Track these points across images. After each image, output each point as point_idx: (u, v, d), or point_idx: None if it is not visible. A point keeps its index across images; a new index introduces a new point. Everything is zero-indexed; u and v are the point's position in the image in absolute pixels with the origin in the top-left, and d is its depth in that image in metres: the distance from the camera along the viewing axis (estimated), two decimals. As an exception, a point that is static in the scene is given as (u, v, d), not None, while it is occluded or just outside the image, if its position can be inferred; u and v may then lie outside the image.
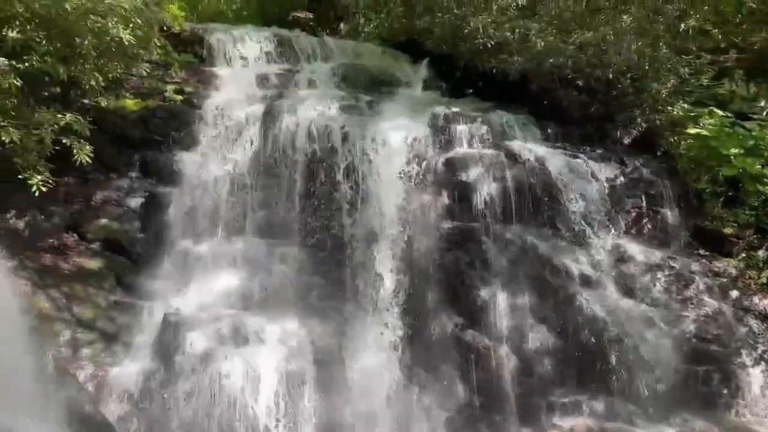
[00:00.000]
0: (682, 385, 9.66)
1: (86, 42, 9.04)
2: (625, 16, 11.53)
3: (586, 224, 10.59)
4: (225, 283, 10.53)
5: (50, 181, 9.10)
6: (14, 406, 6.57)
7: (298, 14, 18.54)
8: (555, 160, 10.84)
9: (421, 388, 9.69)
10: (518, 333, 9.79)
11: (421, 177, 10.79)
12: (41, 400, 7.49)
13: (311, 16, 18.55)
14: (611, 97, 12.33)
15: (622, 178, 11.11)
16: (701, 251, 10.93)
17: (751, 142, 11.36)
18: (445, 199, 10.66)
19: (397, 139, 11.21)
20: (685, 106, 12.09)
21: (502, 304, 9.88)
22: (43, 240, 10.32)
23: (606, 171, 11.11)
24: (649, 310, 10.05)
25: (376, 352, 9.92)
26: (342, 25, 18.54)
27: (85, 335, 9.49)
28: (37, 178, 8.80)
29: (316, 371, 9.60)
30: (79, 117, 9.27)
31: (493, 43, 11.91)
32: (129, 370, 9.28)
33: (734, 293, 10.38)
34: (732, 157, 11.12)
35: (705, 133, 11.42)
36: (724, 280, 10.49)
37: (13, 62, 8.67)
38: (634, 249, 10.63)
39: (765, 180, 11.07)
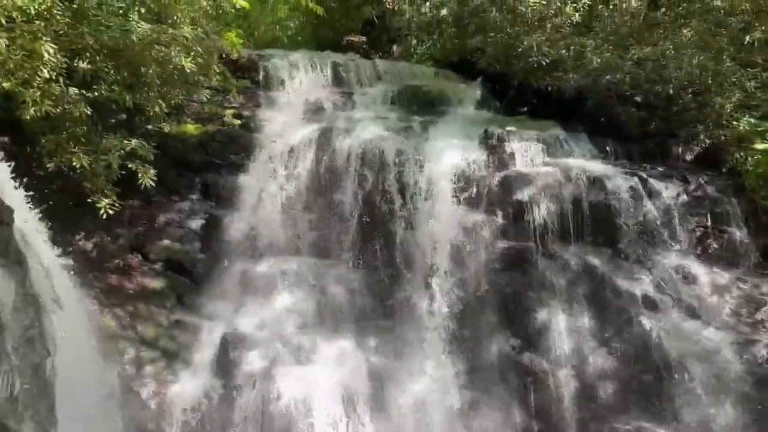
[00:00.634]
0: (754, 413, 9.14)
1: (151, 71, 9.45)
2: (685, 30, 11.26)
3: (647, 244, 10.26)
4: (281, 303, 10.66)
5: (116, 204, 9.50)
6: (83, 424, 6.80)
7: (351, 38, 18.88)
8: (614, 178, 10.57)
9: (476, 411, 9.51)
10: (578, 356, 9.51)
11: (474, 197, 10.73)
12: (108, 417, 7.74)
13: (364, 40, 18.85)
14: (672, 113, 11.98)
15: (685, 196, 10.72)
16: (773, 272, 10.40)
17: (824, 157, 10.79)
18: (499, 218, 10.55)
19: (450, 159, 11.20)
20: (752, 120, 11.60)
21: (560, 326, 9.63)
22: (109, 261, 10.73)
23: (668, 189, 10.74)
24: (717, 334, 9.59)
25: (430, 373, 9.82)
26: (395, 48, 18.77)
27: (148, 353, 9.77)
28: (104, 201, 9.21)
29: (371, 392, 9.59)
30: (144, 142, 9.67)
31: (547, 60, 11.82)
32: (189, 387, 9.48)
33: (810, 316, 9.81)
34: (804, 173, 10.59)
35: (774, 148, 10.93)
36: (799, 302, 9.93)
37: (83, 92, 9.16)
38: (700, 269, 10.21)
39: (839, 196, 10.49)
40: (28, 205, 7.16)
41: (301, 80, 14.97)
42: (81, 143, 9.14)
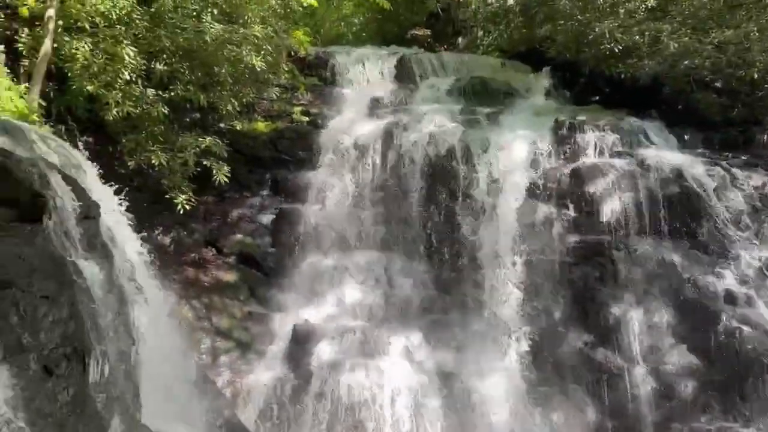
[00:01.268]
0: None
1: (223, 70, 9.75)
2: (770, 10, 10.60)
3: (729, 237, 9.74)
4: (350, 296, 10.80)
5: (192, 200, 9.87)
6: (168, 411, 7.10)
7: (416, 32, 18.83)
8: (693, 168, 10.11)
9: (547, 407, 9.31)
10: (655, 353, 9.16)
11: (544, 189, 10.51)
12: (187, 404, 8.04)
13: (429, 33, 18.77)
14: (757, 99, 11.35)
15: (771, 186, 10.13)
16: None
17: None
18: (571, 211, 10.28)
19: (518, 151, 11.01)
20: None
21: (636, 322, 9.30)
22: (186, 254, 11.17)
23: (753, 178, 10.18)
24: (808, 331, 9.02)
25: (500, 368, 9.69)
26: (460, 40, 18.59)
27: (223, 344, 10.11)
28: (181, 197, 9.59)
29: (439, 386, 9.56)
30: (218, 140, 9.99)
31: (620, 47, 11.41)
32: (262, 377, 9.75)
33: None
34: None
35: None
36: None
37: (160, 92, 9.56)
38: (789, 264, 9.63)
39: None
40: (113, 201, 7.53)
41: (366, 75, 15.07)
42: (159, 142, 9.54)
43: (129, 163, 9.47)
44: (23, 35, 8.91)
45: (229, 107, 10.13)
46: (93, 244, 5.98)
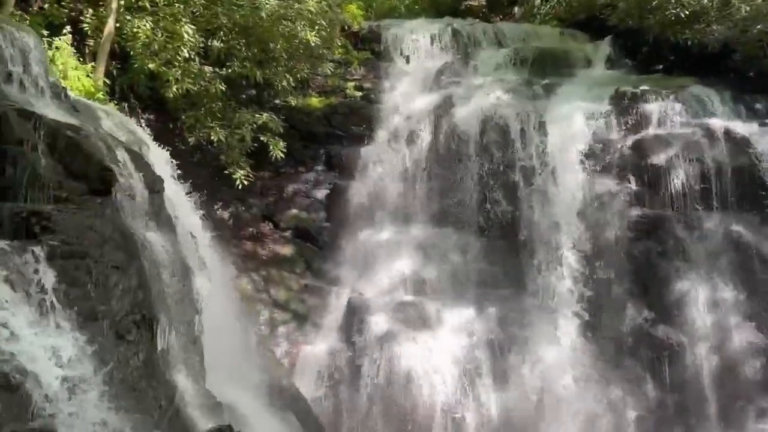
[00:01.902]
0: None
1: (278, 46, 9.84)
2: None
3: (804, 210, 9.27)
4: (403, 270, 10.83)
5: (250, 175, 10.07)
6: (226, 377, 7.36)
7: (470, 2, 18.43)
8: (764, 138, 9.61)
9: (606, 383, 9.17)
10: (720, 330, 8.88)
11: (605, 162, 10.20)
12: (248, 373, 8.31)
13: (484, 3, 18.33)
14: (838, 64, 10.64)
15: None
16: None
17: None
18: (632, 184, 9.97)
19: (577, 122, 10.68)
20: None
21: (700, 298, 9.02)
22: (244, 229, 11.44)
23: (832, 149, 9.62)
24: None
25: (557, 344, 9.58)
26: (516, 9, 18.09)
27: (281, 315, 10.36)
28: (240, 173, 9.81)
29: (493, 360, 9.55)
30: (274, 116, 10.12)
31: (687, 12, 10.87)
32: (319, 348, 9.97)
33: None
34: None
35: None
36: None
37: (217, 69, 9.73)
38: None
39: None
40: (174, 176, 7.77)
41: (420, 48, 14.86)
42: (217, 118, 9.75)
43: (189, 140, 9.72)
44: (88, 15, 9.21)
45: (284, 83, 10.24)
46: (158, 217, 6.20)
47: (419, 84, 13.51)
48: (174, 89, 9.04)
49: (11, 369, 3.59)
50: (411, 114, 12.28)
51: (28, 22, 8.25)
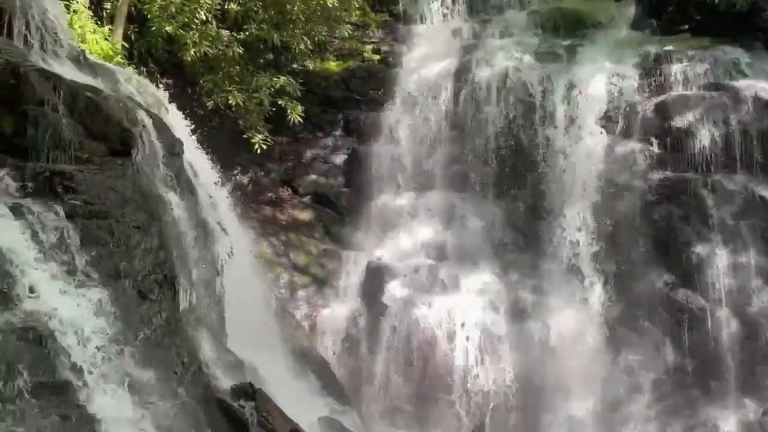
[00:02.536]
0: None
1: (295, 8, 9.74)
2: None
3: (831, 173, 9.07)
4: (421, 235, 10.85)
5: (268, 140, 10.07)
6: (247, 338, 7.50)
7: (491, -37, 17.97)
8: (791, 100, 9.37)
9: (624, 347, 9.19)
10: (741, 294, 8.81)
11: (627, 124, 10.04)
12: (269, 335, 8.46)
13: (505, -37, 17.85)
14: None
15: None
16: None
17: None
18: (654, 147, 9.81)
19: (599, 84, 10.49)
20: None
21: (721, 262, 8.93)
22: (263, 194, 11.51)
23: None
24: None
25: (574, 308, 9.58)
26: (538, -31, 17.59)
27: (300, 279, 10.48)
28: (258, 137, 9.82)
29: (511, 323, 9.60)
30: (291, 80, 10.07)
31: (714, -31, 10.51)
32: (338, 311, 10.08)
33: None
34: None
35: None
36: None
37: (234, 33, 9.67)
38: None
39: None
40: (194, 140, 7.80)
41: (439, 10, 14.58)
42: (235, 82, 9.73)
43: (207, 104, 9.73)
44: (104, -22, 9.17)
45: (302, 46, 10.16)
46: (178, 180, 6.25)
47: (439, 46, 13.28)
48: (192, 52, 9.03)
49: (37, 324, 3.69)
50: (430, 77, 12.11)
51: (45, -15, 8.23)
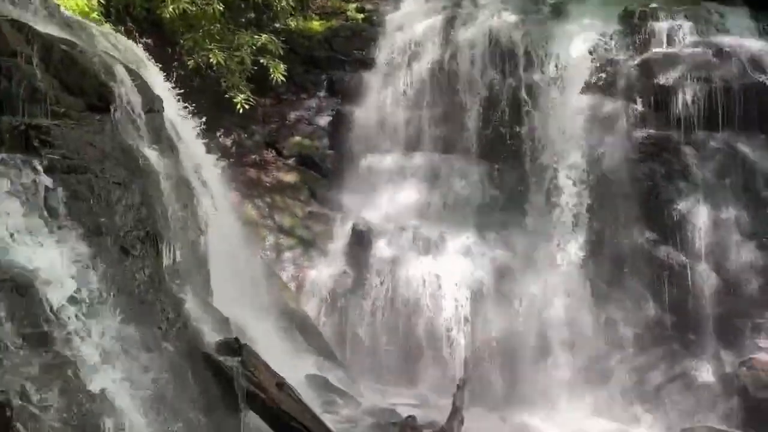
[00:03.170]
0: None
1: (276, -36, 9.51)
2: None
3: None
4: (407, 196, 10.87)
5: (251, 99, 9.95)
6: (233, 298, 7.52)
7: None
8: (774, 56, 9.39)
9: (605, 303, 9.33)
10: (720, 250, 8.94)
11: (611, 82, 10.01)
12: (255, 296, 8.49)
13: None
14: None
15: None
16: None
17: None
18: (638, 105, 9.81)
19: (583, 42, 10.44)
20: None
21: (702, 218, 9.03)
22: (247, 156, 11.42)
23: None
24: None
25: (558, 265, 9.68)
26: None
27: (286, 241, 10.50)
28: (240, 97, 9.69)
29: (495, 281, 9.71)
30: (273, 37, 9.90)
31: None
32: (324, 273, 10.13)
33: None
34: None
35: None
36: None
37: (214, -11, 9.42)
38: None
39: None
40: (174, 98, 7.67)
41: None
42: (216, 41, 9.55)
43: (188, 63, 9.56)
44: (78, -69, 8.86)
45: (284, 3, 9.97)
46: (158, 137, 6.18)
47: (422, 5, 13.09)
48: (170, 9, 8.83)
49: (18, 275, 3.68)
50: (414, 37, 11.96)
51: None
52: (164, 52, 10.14)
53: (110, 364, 4.05)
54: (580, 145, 10.01)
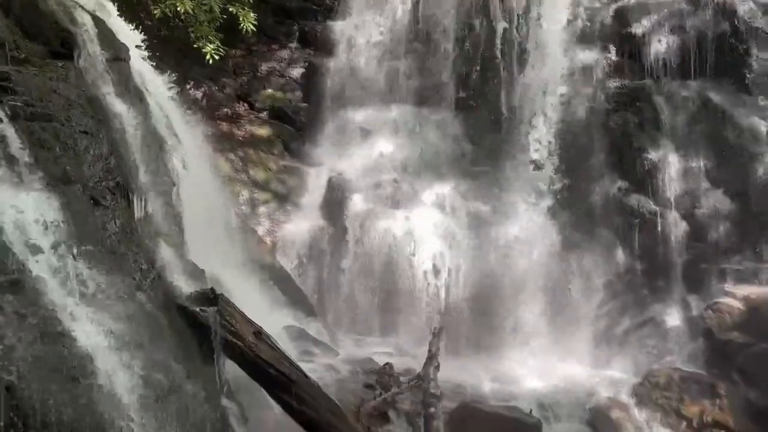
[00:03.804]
0: None
1: None
2: None
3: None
4: (382, 149, 10.81)
5: (221, 50, 9.66)
6: (209, 251, 7.49)
7: None
8: (746, 3, 9.37)
9: (577, 251, 9.50)
10: (690, 197, 9.12)
11: (586, 32, 9.97)
12: (231, 250, 8.46)
13: None
14: None
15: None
16: None
17: None
18: (612, 55, 9.82)
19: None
20: None
21: (673, 167, 9.18)
22: (218, 109, 11.21)
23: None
24: None
25: (531, 215, 9.82)
26: None
27: (261, 195, 10.42)
28: (210, 47, 9.37)
29: (470, 230, 9.81)
30: (242, -15, 9.57)
31: None
32: (301, 226, 10.14)
33: None
34: None
35: None
36: None
37: (179, -66, 9.02)
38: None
39: None
40: (141, 47, 7.45)
41: None
42: (183, -12, 9.19)
43: (154, 12, 9.18)
44: None
45: (252, -51, 9.59)
46: (125, 87, 6.03)
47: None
48: (133, -45, 8.44)
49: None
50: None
51: None
52: (129, 1, 9.78)
53: (82, 310, 4.01)
54: (555, 95, 10.02)
